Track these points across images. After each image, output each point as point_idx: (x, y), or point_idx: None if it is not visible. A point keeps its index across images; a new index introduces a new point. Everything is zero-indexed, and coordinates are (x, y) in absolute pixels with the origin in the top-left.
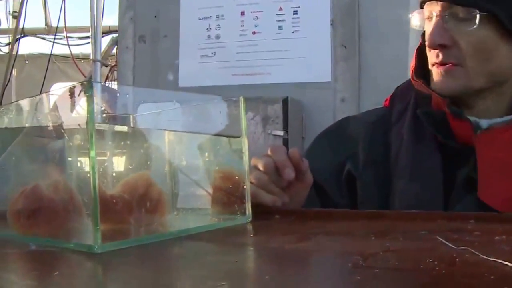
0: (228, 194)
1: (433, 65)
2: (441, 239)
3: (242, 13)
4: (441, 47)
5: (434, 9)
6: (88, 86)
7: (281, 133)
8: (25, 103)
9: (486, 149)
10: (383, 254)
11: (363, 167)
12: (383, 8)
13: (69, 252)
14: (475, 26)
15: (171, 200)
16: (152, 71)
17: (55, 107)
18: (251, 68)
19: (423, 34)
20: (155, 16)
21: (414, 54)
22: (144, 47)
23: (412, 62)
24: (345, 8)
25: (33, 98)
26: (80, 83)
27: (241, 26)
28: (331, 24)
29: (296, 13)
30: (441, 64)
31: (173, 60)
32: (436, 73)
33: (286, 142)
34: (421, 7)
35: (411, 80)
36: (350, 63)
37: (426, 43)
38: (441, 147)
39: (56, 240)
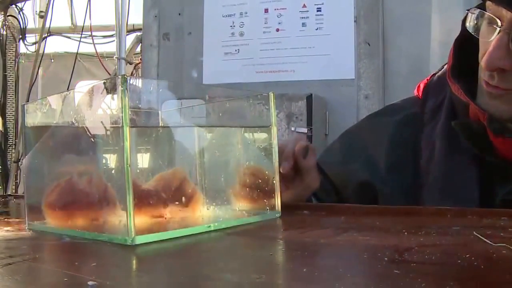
0: (257, 189)
1: (483, 80)
2: (477, 234)
3: (266, 11)
4: (499, 69)
5: (501, 17)
6: (122, 80)
7: (305, 130)
8: (57, 98)
9: None
10: (418, 248)
11: (387, 172)
12: (406, 5)
13: (103, 244)
14: None
15: (203, 195)
16: (176, 68)
17: (87, 103)
18: (275, 65)
19: (464, 21)
20: (179, 14)
21: (452, 48)
22: (168, 45)
23: (449, 57)
24: (368, 5)
25: (65, 93)
26: (110, 78)
27: (265, 23)
28: (354, 21)
29: (320, 10)
30: (494, 87)
31: (197, 58)
32: (486, 92)
33: (309, 140)
34: (481, 6)
35: (447, 79)
36: (374, 60)
37: (483, 63)
38: (479, 158)
39: (90, 232)
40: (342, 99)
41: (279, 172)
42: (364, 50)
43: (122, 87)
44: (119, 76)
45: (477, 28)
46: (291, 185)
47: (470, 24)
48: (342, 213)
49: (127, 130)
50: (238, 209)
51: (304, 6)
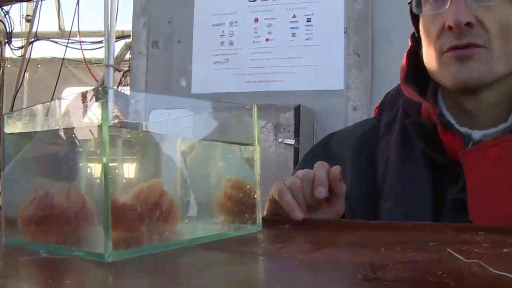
0: (238, 203)
1: (448, 50)
2: (451, 251)
3: (256, 20)
4: (466, 26)
5: None
6: (102, 92)
7: (292, 141)
8: (37, 108)
9: (473, 167)
10: (393, 265)
11: (350, 186)
12: (396, 16)
13: (80, 260)
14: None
15: (182, 208)
16: (164, 76)
17: (68, 113)
18: (264, 75)
19: (413, 36)
20: (169, 22)
21: (405, 57)
22: (157, 53)
23: (402, 66)
24: (358, 17)
25: (45, 103)
26: (94, 89)
27: (255, 33)
28: (344, 32)
29: (310, 21)
30: (462, 47)
31: (186, 66)
32: (453, 59)
33: (297, 151)
34: None
35: (401, 85)
36: (363, 71)
37: (450, 21)
38: (431, 163)
39: (67, 248)
40: (331, 110)
41: (314, 197)
42: (353, 61)
43: (102, 99)
44: (99, 88)
45: (427, 8)
46: (317, 212)
47: (416, 7)
48: (323, 228)
49: (106, 143)
50: (219, 223)
51: (294, 16)
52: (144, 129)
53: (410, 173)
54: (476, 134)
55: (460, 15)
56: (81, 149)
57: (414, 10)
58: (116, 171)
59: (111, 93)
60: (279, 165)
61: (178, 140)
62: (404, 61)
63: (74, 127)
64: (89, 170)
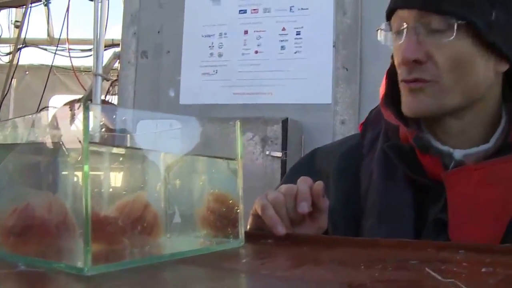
0: (221, 217)
1: (402, 81)
2: (429, 270)
3: (245, 32)
4: (415, 62)
5: (405, 20)
6: (84, 107)
7: (279, 154)
8: (20, 120)
9: (456, 189)
10: (371, 285)
11: (333, 203)
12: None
13: (59, 273)
14: (452, 37)
15: (165, 222)
16: (153, 86)
17: (50, 125)
18: (252, 87)
19: (392, 54)
20: (159, 32)
21: (385, 78)
22: (146, 63)
23: (381, 87)
24: (347, 31)
25: (28, 116)
26: (76, 103)
27: (244, 45)
28: (333, 46)
29: (299, 34)
30: (413, 81)
31: (174, 77)
32: (406, 91)
33: (284, 164)
34: (388, 18)
35: (380, 106)
36: (351, 85)
37: (398, 60)
38: (413, 181)
39: (46, 261)
40: (319, 124)
41: (297, 212)
42: (342, 75)
43: (84, 114)
44: (81, 104)
45: (389, 40)
46: (301, 227)
47: (381, 38)
48: (306, 243)
49: (87, 157)
50: (201, 237)
51: (284, 29)
52: (129, 141)
53: (392, 191)
54: (458, 154)
55: (408, 53)
56: (63, 161)
57: (379, 38)
58: (100, 184)
59: (97, 108)
60: (266, 177)
61: (162, 154)
62: (383, 81)
63: (57, 140)
64: (71, 182)
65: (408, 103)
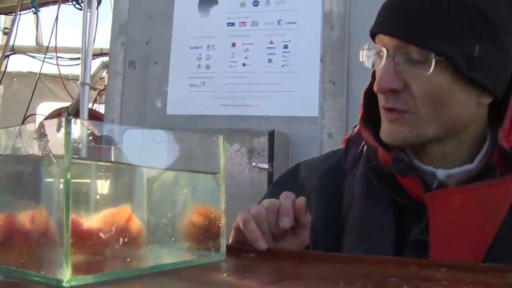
0: (203, 231)
1: (382, 108)
2: None
3: (233, 45)
4: (391, 92)
5: (386, 45)
6: (66, 123)
7: (265, 166)
8: (2, 131)
9: (438, 211)
10: None
11: (315, 219)
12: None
13: (37, 285)
14: (429, 72)
15: (148, 234)
16: (140, 97)
17: (37, 135)
18: (239, 99)
19: (374, 73)
20: (147, 43)
21: (363, 98)
22: (134, 73)
23: (361, 107)
24: (335, 45)
25: (11, 128)
26: (63, 111)
27: (232, 57)
28: (320, 60)
29: (287, 47)
30: (390, 109)
31: (162, 87)
32: (384, 118)
33: (271, 175)
34: (372, 38)
35: (360, 126)
36: (338, 99)
37: (375, 87)
38: (395, 201)
39: (26, 271)
40: (306, 136)
41: (279, 227)
42: (329, 89)
43: (66, 129)
44: (63, 119)
45: (371, 61)
46: (283, 241)
47: (363, 59)
48: (287, 258)
49: (68, 173)
50: (183, 250)
51: (271, 42)
52: (114, 152)
53: (373, 210)
54: (441, 173)
55: (384, 82)
56: (46, 172)
57: (361, 59)
58: (81, 194)
59: (81, 124)
60: (252, 189)
61: (146, 168)
62: (362, 101)
63: (41, 152)
64: (53, 193)
65: (386, 132)
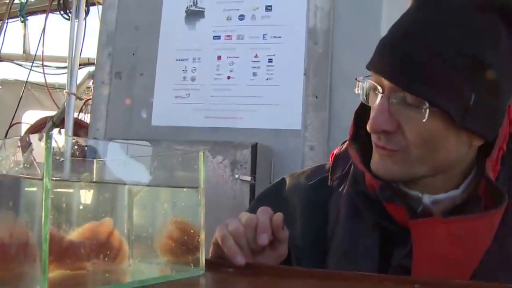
0: (182, 245)
1: (374, 143)
2: None
3: (219, 58)
4: (384, 132)
5: (381, 84)
6: (47, 138)
7: (248, 178)
8: None
9: (422, 239)
10: None
11: (300, 237)
12: (355, 61)
13: None
14: (424, 120)
15: (129, 249)
16: (126, 107)
17: (18, 151)
18: (224, 111)
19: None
20: (133, 54)
21: (353, 119)
22: (120, 83)
23: (350, 127)
24: (318, 59)
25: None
26: (48, 121)
27: (217, 70)
28: (304, 74)
29: (271, 61)
30: (381, 147)
31: (147, 98)
32: (375, 151)
33: (253, 188)
34: (368, 68)
35: (348, 148)
36: (320, 112)
37: (368, 126)
38: (380, 224)
39: (3, 286)
40: (288, 149)
41: (257, 243)
42: (312, 102)
43: (46, 145)
44: (44, 134)
45: (367, 95)
46: (261, 256)
47: (358, 91)
48: (267, 273)
49: (48, 188)
50: (162, 264)
51: (256, 56)
52: (95, 168)
53: (358, 232)
54: (427, 199)
55: (377, 124)
56: (28, 188)
57: (356, 91)
58: (63, 209)
59: (65, 136)
60: (235, 201)
61: (126, 181)
62: (352, 122)
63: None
64: (34, 207)
65: (376, 165)
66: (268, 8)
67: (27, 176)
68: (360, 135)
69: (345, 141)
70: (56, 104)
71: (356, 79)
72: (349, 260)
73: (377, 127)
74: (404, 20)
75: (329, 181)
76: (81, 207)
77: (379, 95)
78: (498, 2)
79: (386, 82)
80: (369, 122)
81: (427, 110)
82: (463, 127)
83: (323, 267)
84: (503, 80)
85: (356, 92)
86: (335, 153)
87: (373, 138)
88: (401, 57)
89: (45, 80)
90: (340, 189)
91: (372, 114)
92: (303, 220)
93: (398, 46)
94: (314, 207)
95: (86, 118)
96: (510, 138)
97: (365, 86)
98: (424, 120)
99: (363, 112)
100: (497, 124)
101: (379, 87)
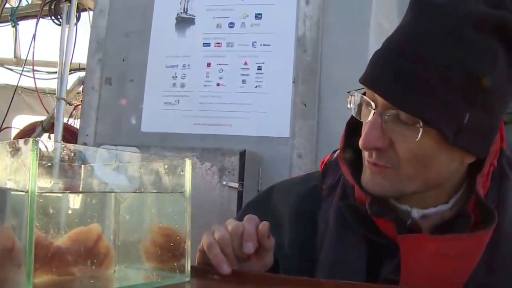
0: (168, 252)
1: (365, 159)
2: None
3: (208, 65)
4: (376, 149)
5: (374, 100)
6: (33, 144)
7: (236, 185)
8: None
9: (410, 255)
10: None
11: (288, 247)
12: (343, 69)
13: None
14: (417, 139)
15: (115, 255)
16: (115, 113)
17: (7, 155)
18: (213, 118)
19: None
20: (123, 60)
21: (344, 130)
22: (110, 89)
23: (341, 140)
24: (307, 67)
25: None
26: (38, 126)
27: (206, 77)
28: (293, 82)
29: (260, 69)
30: (373, 164)
31: (137, 105)
32: (366, 168)
33: (241, 194)
34: (361, 82)
35: (339, 160)
36: (309, 120)
37: (360, 143)
38: (368, 237)
39: None
40: (276, 156)
41: (242, 251)
42: (300, 110)
43: (33, 151)
44: (30, 139)
45: (359, 109)
46: (247, 264)
47: (351, 106)
48: (251, 281)
49: (34, 194)
50: (148, 271)
51: (246, 63)
52: (83, 173)
53: (346, 244)
54: (416, 213)
55: (369, 141)
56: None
57: (348, 106)
58: (51, 214)
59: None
60: (222, 207)
61: (114, 189)
62: (343, 134)
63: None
64: (19, 213)
65: (366, 181)
66: (258, 16)
67: (12, 188)
68: (352, 142)
69: (336, 150)
70: (46, 109)
71: (348, 92)
72: (336, 273)
73: (369, 144)
74: (398, 35)
75: (318, 190)
76: (69, 211)
77: (372, 111)
78: (497, 22)
79: (379, 98)
80: (361, 138)
81: (421, 129)
82: (456, 145)
83: (311, 277)
84: (498, 98)
85: (348, 107)
86: (325, 161)
87: (365, 154)
88: (394, 73)
89: (36, 85)
90: (330, 199)
91: (364, 130)
92: (292, 229)
93: (392, 62)
94: (303, 216)
95: (76, 123)
96: (500, 154)
97: (357, 100)
98: (417, 139)
99: (355, 122)
100: (489, 143)
101: (372, 103)
